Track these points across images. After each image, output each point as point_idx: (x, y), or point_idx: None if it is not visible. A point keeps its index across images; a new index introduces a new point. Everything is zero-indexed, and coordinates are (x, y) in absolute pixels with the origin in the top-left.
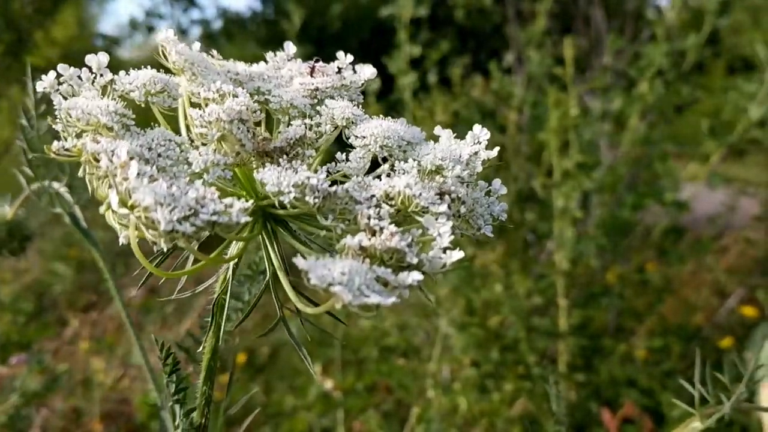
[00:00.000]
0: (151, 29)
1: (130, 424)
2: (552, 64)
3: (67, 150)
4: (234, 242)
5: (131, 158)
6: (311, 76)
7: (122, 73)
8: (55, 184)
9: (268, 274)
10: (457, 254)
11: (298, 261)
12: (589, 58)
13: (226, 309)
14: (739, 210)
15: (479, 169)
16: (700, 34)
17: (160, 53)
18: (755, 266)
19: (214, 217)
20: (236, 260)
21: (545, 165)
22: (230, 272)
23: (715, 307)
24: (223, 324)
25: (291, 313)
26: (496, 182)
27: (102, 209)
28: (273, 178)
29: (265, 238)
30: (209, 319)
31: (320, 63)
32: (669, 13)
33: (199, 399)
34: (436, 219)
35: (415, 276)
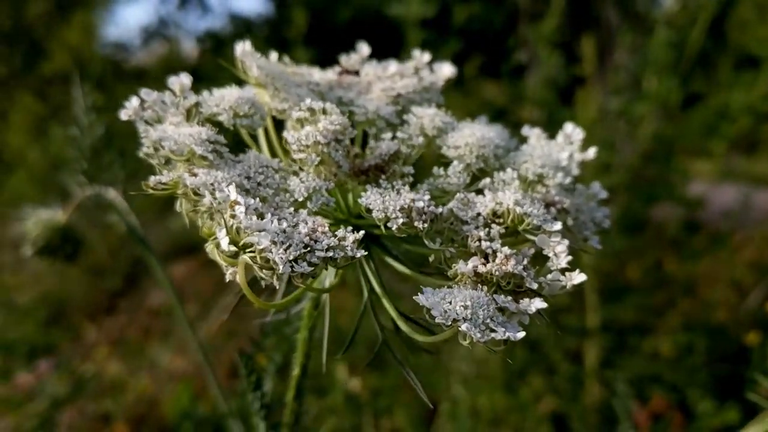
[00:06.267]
0: (164, 37)
1: (160, 426)
2: (564, 62)
3: (163, 184)
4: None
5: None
6: (339, 76)
7: (206, 93)
8: (110, 192)
9: (365, 296)
10: (579, 276)
11: (419, 298)
12: (601, 57)
13: (326, 330)
14: (753, 205)
15: (576, 172)
16: (699, 23)
17: (239, 67)
18: None
19: (330, 253)
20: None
21: None
22: (327, 298)
23: (737, 303)
24: (325, 339)
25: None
26: (596, 185)
27: (208, 247)
28: (378, 202)
29: (362, 259)
30: (301, 339)
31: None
32: (667, 4)
33: (288, 416)
34: (550, 237)
35: (539, 304)
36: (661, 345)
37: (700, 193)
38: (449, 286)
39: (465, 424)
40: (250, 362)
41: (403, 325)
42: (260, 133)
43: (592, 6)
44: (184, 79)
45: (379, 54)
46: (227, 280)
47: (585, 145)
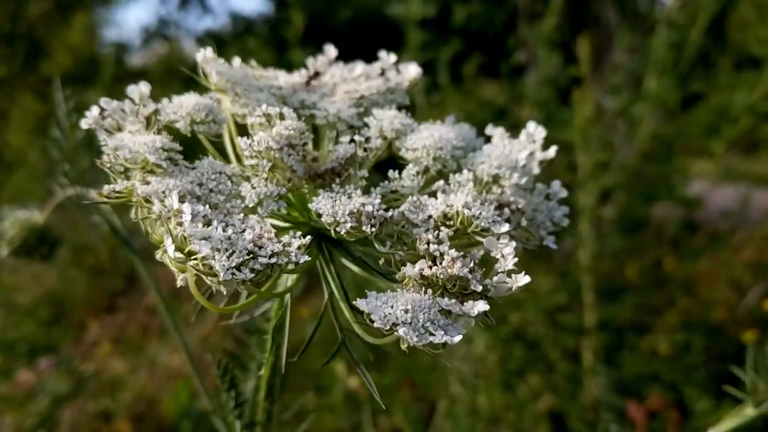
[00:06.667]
0: (164, 37)
1: (160, 424)
2: (562, 62)
3: (117, 192)
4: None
5: (183, 201)
6: (307, 84)
7: (165, 101)
8: (92, 193)
9: (326, 296)
10: (524, 279)
11: (359, 303)
12: (599, 56)
13: (286, 331)
14: (752, 205)
15: (536, 171)
16: (698, 23)
17: (201, 74)
18: None
19: (273, 259)
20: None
21: (562, 163)
22: (288, 297)
23: (735, 302)
24: (285, 344)
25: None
26: (555, 184)
27: (158, 254)
28: (328, 207)
29: (321, 260)
30: (268, 339)
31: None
32: (668, 3)
33: (260, 415)
34: (498, 239)
35: (481, 306)
36: (660, 344)
37: (699, 192)
38: (393, 290)
39: (463, 423)
40: (223, 362)
41: (356, 327)
42: (225, 137)
43: (592, 5)
44: (143, 88)
45: (378, 54)
46: (178, 285)
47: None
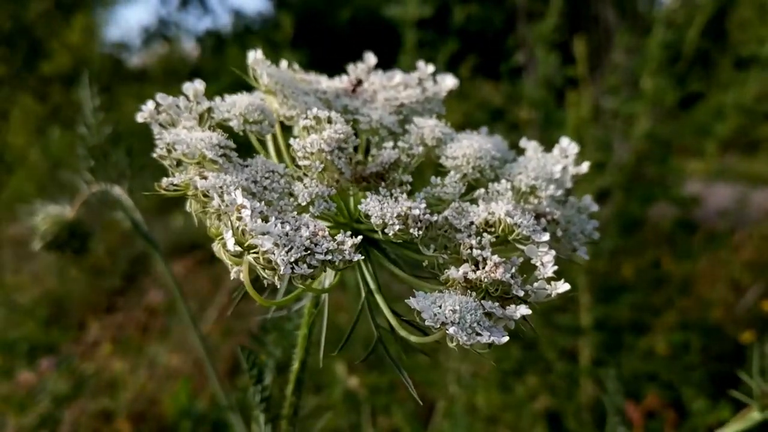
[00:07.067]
0: (165, 37)
1: (160, 423)
2: (561, 62)
3: (175, 185)
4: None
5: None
6: (353, 91)
7: (218, 99)
8: (116, 189)
9: (363, 295)
10: (564, 286)
11: (411, 301)
12: (599, 56)
13: (324, 327)
14: (751, 204)
15: (569, 185)
16: (696, 22)
17: (251, 75)
18: None
19: (329, 256)
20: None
21: None
22: (325, 297)
23: (732, 302)
24: (323, 339)
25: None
26: (587, 198)
27: (215, 246)
28: (376, 209)
29: (360, 261)
30: (301, 335)
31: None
32: (667, 3)
33: (287, 409)
34: (538, 247)
35: (524, 310)
36: (657, 343)
37: (695, 192)
38: (440, 291)
39: (462, 422)
40: (252, 356)
41: (397, 326)
42: (269, 138)
43: (591, 5)
44: (198, 85)
45: (377, 54)
46: (232, 278)
47: (579, 145)
